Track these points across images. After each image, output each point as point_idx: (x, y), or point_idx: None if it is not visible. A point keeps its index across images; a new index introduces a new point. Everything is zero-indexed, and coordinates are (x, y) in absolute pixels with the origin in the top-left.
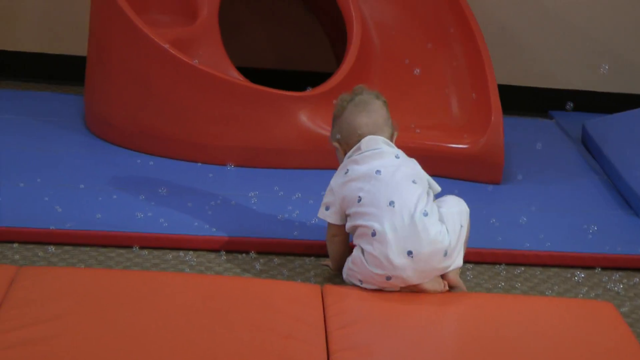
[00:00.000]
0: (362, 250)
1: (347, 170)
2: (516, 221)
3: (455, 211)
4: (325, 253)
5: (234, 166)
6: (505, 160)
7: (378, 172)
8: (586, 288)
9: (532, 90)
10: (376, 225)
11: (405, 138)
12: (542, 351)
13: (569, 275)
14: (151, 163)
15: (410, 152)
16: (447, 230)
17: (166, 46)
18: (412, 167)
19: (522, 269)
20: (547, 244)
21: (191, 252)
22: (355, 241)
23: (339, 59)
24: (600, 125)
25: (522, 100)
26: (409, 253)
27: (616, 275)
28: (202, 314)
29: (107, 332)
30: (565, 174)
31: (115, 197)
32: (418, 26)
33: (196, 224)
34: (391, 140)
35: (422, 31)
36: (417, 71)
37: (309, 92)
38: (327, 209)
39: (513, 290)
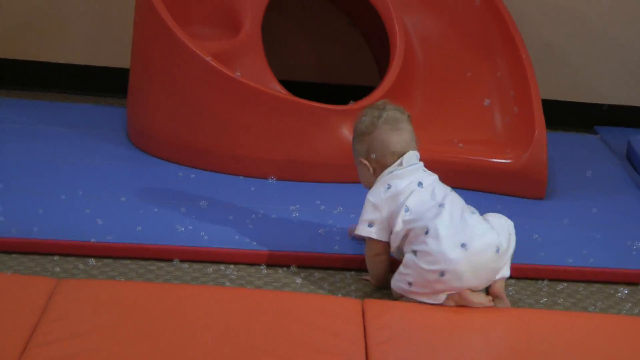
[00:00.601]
0: (415, 252)
1: (389, 185)
2: (559, 237)
3: (502, 221)
4: (366, 268)
5: (276, 180)
6: (549, 175)
7: (420, 184)
8: (630, 304)
9: (577, 106)
10: (429, 223)
11: (447, 153)
12: None
13: (612, 292)
14: (193, 176)
15: (453, 167)
16: (496, 230)
17: (208, 59)
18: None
19: (565, 284)
20: (590, 260)
21: (232, 266)
22: (407, 247)
23: (382, 72)
24: None
25: (566, 116)
26: (463, 245)
27: None
28: (242, 329)
29: (146, 346)
30: (609, 190)
31: (156, 210)
32: (462, 40)
33: (237, 237)
34: None
35: (467, 45)
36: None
37: (352, 105)
38: (370, 225)
39: (555, 307)
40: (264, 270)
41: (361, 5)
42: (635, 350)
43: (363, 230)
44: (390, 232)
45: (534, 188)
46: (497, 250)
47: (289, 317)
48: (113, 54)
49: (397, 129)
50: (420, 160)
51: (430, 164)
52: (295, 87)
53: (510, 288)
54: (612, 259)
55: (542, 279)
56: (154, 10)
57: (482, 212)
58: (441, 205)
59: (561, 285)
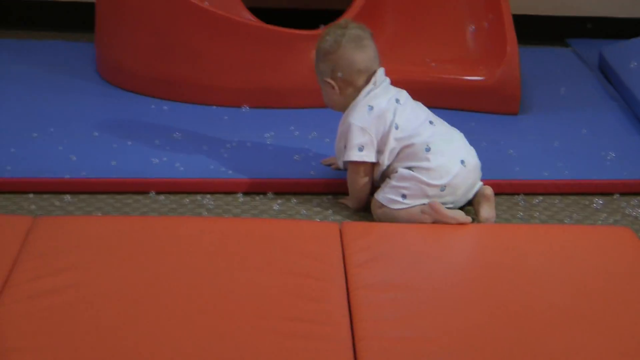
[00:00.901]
0: (412, 168)
1: (371, 107)
2: (534, 151)
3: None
4: (343, 191)
5: (249, 108)
6: (522, 91)
7: (397, 100)
8: (605, 214)
9: (548, 19)
10: (429, 140)
11: (420, 72)
12: (563, 278)
13: (587, 203)
14: (165, 108)
15: (426, 85)
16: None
17: None
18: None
19: (541, 198)
20: (565, 172)
21: (208, 196)
22: (401, 164)
23: None
24: (617, 51)
25: (538, 30)
26: (462, 162)
27: (635, 200)
28: (221, 257)
29: (126, 278)
30: (582, 102)
31: (129, 143)
32: None
33: (212, 167)
34: None
35: None
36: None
37: (322, 29)
38: (360, 149)
39: (532, 220)
40: (240, 198)
41: None
42: (612, 259)
43: (354, 155)
44: (379, 152)
45: (507, 104)
46: (480, 168)
47: (268, 244)
48: None
49: (362, 47)
50: (388, 77)
51: (404, 84)
52: (265, 14)
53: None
54: (586, 171)
55: (518, 194)
56: None
57: (460, 131)
58: (431, 122)
59: (537, 199)
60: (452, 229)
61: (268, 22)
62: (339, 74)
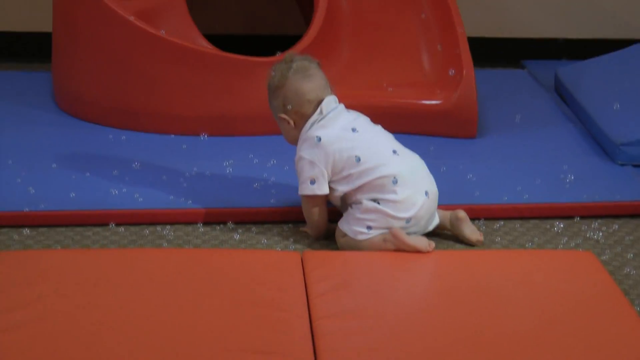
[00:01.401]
0: (378, 201)
1: (319, 137)
2: (493, 175)
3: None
4: (303, 219)
5: (208, 136)
6: (480, 113)
7: (354, 129)
8: (566, 238)
9: (503, 41)
10: (395, 171)
11: (377, 97)
12: (526, 303)
13: (548, 227)
14: (123, 138)
15: (384, 110)
16: None
17: (131, 18)
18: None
19: (502, 222)
20: (524, 196)
21: (168, 226)
22: (366, 195)
23: (307, 20)
24: (572, 72)
25: (493, 52)
26: (426, 193)
27: (595, 223)
28: (182, 288)
29: (88, 312)
30: (539, 124)
31: (88, 174)
32: None
33: (172, 197)
34: None
35: None
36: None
37: (279, 56)
38: (312, 182)
39: (493, 245)
40: (201, 228)
41: None
42: (574, 283)
43: (306, 189)
44: (335, 182)
45: (465, 127)
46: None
47: (229, 274)
48: (33, 18)
49: (308, 76)
50: (343, 102)
51: (361, 109)
52: (221, 41)
53: (446, 231)
54: (546, 194)
55: (479, 219)
56: None
57: (419, 155)
58: (394, 152)
59: (498, 224)
60: (414, 256)
61: (224, 48)
62: (289, 106)
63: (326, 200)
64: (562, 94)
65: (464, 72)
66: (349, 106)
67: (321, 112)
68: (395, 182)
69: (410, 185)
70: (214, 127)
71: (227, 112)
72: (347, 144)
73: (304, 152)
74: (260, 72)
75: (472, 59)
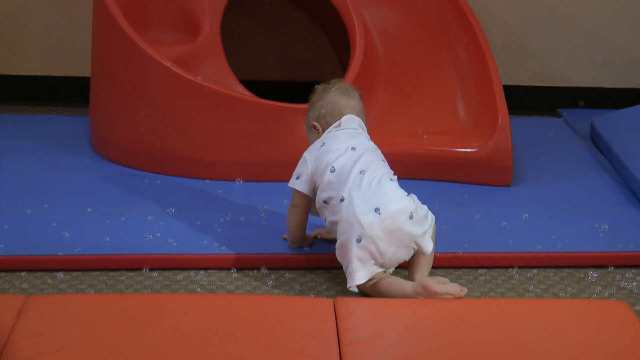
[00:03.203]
0: (335, 223)
1: (324, 143)
2: (527, 223)
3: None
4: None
5: (243, 181)
6: (515, 161)
7: (353, 148)
8: (600, 287)
9: (539, 90)
10: (344, 193)
11: (412, 144)
12: (558, 354)
13: (582, 276)
14: (158, 182)
15: (418, 158)
16: (412, 198)
17: (169, 64)
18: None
19: (535, 271)
20: (559, 244)
21: (202, 272)
22: (329, 218)
23: (344, 67)
24: (608, 121)
25: (529, 100)
26: (376, 210)
27: (629, 273)
28: (215, 335)
29: (120, 358)
30: (574, 173)
31: (123, 219)
32: (421, 31)
33: (206, 242)
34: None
35: (426, 36)
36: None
37: None
38: (297, 178)
39: (527, 294)
40: (234, 274)
41: (320, 2)
42: (608, 334)
43: (291, 181)
44: (314, 188)
45: (499, 175)
46: (411, 217)
47: (261, 321)
48: (72, 63)
49: (348, 94)
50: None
51: (396, 157)
52: (258, 87)
53: (480, 278)
54: (580, 243)
55: (512, 267)
56: (111, 18)
57: (449, 203)
58: (361, 172)
59: (531, 272)
60: (446, 303)
61: (260, 94)
62: (323, 110)
63: (306, 204)
64: (597, 143)
65: (500, 119)
66: (383, 152)
67: (339, 124)
68: (342, 200)
69: (357, 203)
70: (249, 173)
71: (262, 157)
72: (336, 155)
73: (307, 151)
74: (296, 118)
75: (508, 107)
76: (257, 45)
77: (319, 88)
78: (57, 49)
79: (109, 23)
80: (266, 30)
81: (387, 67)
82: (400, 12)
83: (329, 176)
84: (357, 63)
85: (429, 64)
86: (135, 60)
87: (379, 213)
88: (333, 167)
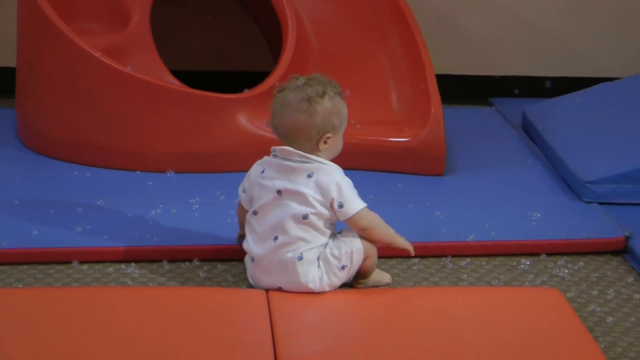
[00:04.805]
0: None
1: (264, 170)
2: (460, 213)
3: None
4: None
5: (174, 173)
6: (448, 151)
7: (279, 192)
8: (532, 275)
9: (472, 79)
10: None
11: (346, 134)
12: (491, 341)
13: (514, 264)
14: (88, 174)
15: (352, 148)
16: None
17: (98, 54)
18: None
19: (469, 260)
20: (492, 233)
21: (133, 264)
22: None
23: (276, 57)
24: (539, 110)
25: (462, 89)
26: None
27: (561, 260)
28: (147, 328)
29: (50, 351)
30: (507, 162)
31: (52, 211)
32: (354, 20)
33: (137, 234)
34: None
35: (359, 26)
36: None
37: (247, 93)
38: (243, 190)
39: (460, 283)
40: (166, 266)
41: None
42: (540, 321)
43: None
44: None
45: (433, 165)
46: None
47: (194, 313)
48: None
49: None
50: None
51: None
52: (189, 77)
53: (414, 267)
54: (512, 232)
55: (446, 256)
56: (37, 6)
57: (383, 193)
58: (254, 212)
59: (465, 261)
60: (381, 294)
61: (192, 85)
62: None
63: (242, 211)
64: (529, 132)
65: (432, 109)
66: None
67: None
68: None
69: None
70: (181, 164)
71: (193, 148)
72: (258, 193)
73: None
74: (227, 108)
75: (442, 97)
76: (188, 36)
77: (333, 85)
78: None
79: (35, 12)
80: (197, 20)
81: (320, 57)
82: (333, 1)
83: (242, 196)
84: (289, 53)
85: (362, 54)
86: (63, 51)
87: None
88: (244, 187)
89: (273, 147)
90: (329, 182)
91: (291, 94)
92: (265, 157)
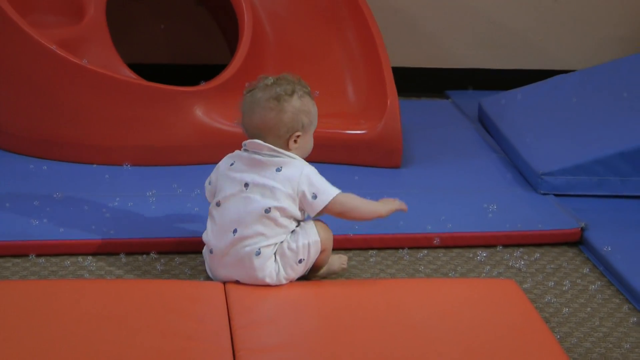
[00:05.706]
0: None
1: (233, 163)
2: (417, 205)
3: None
4: None
5: (131, 166)
6: (404, 143)
7: (247, 185)
8: (489, 267)
9: (428, 71)
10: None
11: None
12: (448, 332)
13: (471, 255)
14: (44, 167)
15: None
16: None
17: (53, 47)
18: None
19: (425, 252)
20: (448, 225)
21: (90, 257)
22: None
23: (232, 50)
24: (495, 102)
25: (418, 82)
26: (234, 231)
27: (517, 252)
28: (104, 320)
29: (6, 345)
30: (463, 154)
31: (7, 205)
32: (310, 13)
33: (94, 227)
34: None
35: (316, 19)
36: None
37: (203, 86)
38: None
39: (417, 274)
40: (123, 259)
41: None
42: (497, 311)
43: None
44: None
45: (389, 157)
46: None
47: (151, 306)
48: None
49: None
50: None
51: None
52: (146, 70)
53: (371, 259)
54: (469, 223)
55: (403, 248)
56: None
57: (340, 185)
58: (217, 204)
59: (421, 253)
60: (336, 285)
61: (149, 78)
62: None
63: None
64: (485, 124)
65: (389, 102)
66: None
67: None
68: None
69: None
70: (137, 157)
71: (150, 141)
72: (225, 184)
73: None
74: (183, 101)
75: (398, 89)
76: (144, 29)
77: (304, 85)
78: None
79: None
80: (153, 13)
81: (276, 50)
82: None
83: (208, 188)
84: (246, 46)
85: (318, 47)
86: (17, 43)
87: (212, 253)
88: (210, 179)
89: (244, 142)
90: (297, 174)
91: (260, 93)
92: (236, 151)
